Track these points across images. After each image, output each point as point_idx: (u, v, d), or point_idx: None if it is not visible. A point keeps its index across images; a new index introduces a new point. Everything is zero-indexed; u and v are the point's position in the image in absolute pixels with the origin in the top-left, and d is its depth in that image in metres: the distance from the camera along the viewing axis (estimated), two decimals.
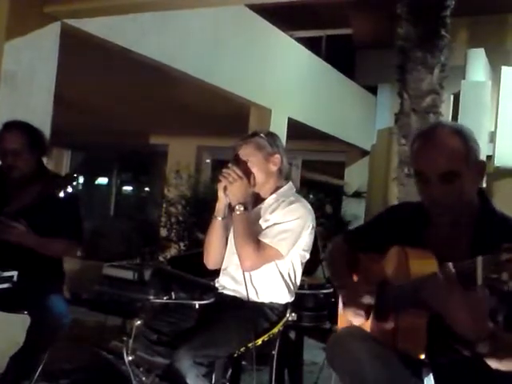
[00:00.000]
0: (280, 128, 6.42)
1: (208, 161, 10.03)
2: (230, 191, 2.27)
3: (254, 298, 2.32)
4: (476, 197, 1.62)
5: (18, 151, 2.61)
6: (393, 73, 5.71)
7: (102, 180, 11.87)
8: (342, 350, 1.55)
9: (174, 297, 2.47)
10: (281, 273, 2.34)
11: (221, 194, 2.32)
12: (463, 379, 1.49)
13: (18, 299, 2.51)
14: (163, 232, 7.07)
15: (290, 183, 2.48)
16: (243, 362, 2.49)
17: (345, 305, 1.79)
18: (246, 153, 2.35)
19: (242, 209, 2.25)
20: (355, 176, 9.47)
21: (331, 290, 3.61)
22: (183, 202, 6.88)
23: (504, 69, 6.15)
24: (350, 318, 1.79)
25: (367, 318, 1.73)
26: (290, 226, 2.28)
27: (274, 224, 2.29)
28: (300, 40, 7.74)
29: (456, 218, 1.58)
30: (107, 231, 8.98)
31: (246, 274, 2.27)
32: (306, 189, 7.97)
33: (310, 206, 2.39)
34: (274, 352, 2.39)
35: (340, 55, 9.71)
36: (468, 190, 1.57)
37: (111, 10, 3.65)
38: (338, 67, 8.40)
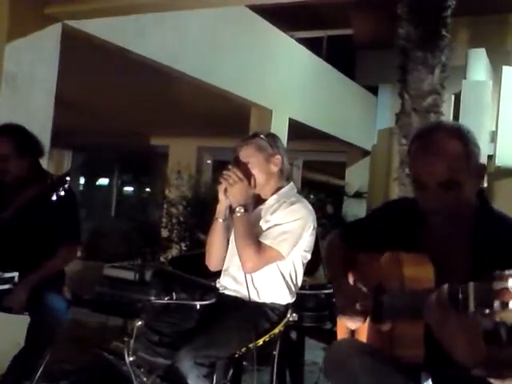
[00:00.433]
0: (281, 128, 6.42)
1: (209, 161, 10.04)
2: (230, 193, 2.27)
3: (255, 298, 2.31)
4: (475, 198, 1.57)
5: (7, 156, 2.58)
6: (393, 73, 5.72)
7: (103, 181, 11.88)
8: (339, 364, 1.55)
9: (175, 297, 2.47)
10: (282, 273, 2.34)
11: (221, 195, 2.32)
12: None
13: None
14: (164, 232, 7.07)
15: (291, 184, 2.48)
16: (244, 363, 2.48)
17: (340, 311, 1.78)
18: (247, 154, 2.35)
19: (242, 210, 2.25)
20: (356, 176, 9.46)
21: (332, 290, 3.60)
22: (184, 202, 6.88)
23: (505, 68, 6.15)
24: (346, 323, 1.79)
25: (364, 321, 1.72)
26: (291, 227, 2.28)
27: (275, 225, 2.29)
28: (301, 40, 7.75)
29: (454, 221, 1.54)
30: (108, 232, 8.99)
31: (248, 274, 2.27)
32: (307, 189, 7.97)
33: (310, 207, 2.39)
34: (275, 352, 2.39)
35: (341, 55, 9.71)
36: (468, 194, 1.53)
37: (111, 11, 3.65)
38: (339, 67, 8.40)
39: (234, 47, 5.73)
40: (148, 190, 9.86)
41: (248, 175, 2.31)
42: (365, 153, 9.30)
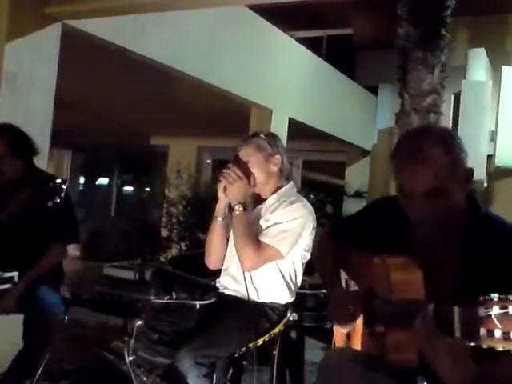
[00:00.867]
0: (281, 128, 6.42)
1: (209, 161, 10.04)
2: (229, 191, 2.27)
3: (254, 298, 2.32)
4: (464, 201, 1.53)
5: (2, 156, 2.57)
6: (393, 73, 5.72)
7: (103, 180, 11.88)
8: (331, 374, 1.55)
9: (174, 297, 2.47)
10: (282, 273, 2.34)
11: (221, 194, 2.32)
12: None
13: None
14: (164, 232, 7.08)
15: (291, 183, 2.48)
16: (244, 362, 2.49)
17: (330, 315, 1.77)
18: (247, 153, 2.35)
19: (241, 209, 2.25)
20: (356, 176, 9.46)
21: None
22: (184, 202, 6.89)
23: (504, 68, 6.15)
24: (338, 327, 1.78)
25: (354, 324, 1.72)
26: (291, 226, 2.28)
27: (275, 224, 2.29)
28: (301, 40, 7.75)
29: (442, 227, 1.50)
30: (108, 231, 9.01)
31: (247, 273, 2.27)
32: (307, 189, 7.97)
33: (310, 206, 2.39)
34: (274, 352, 2.39)
35: (341, 55, 9.71)
36: (455, 201, 1.48)
37: (111, 11, 3.65)
38: (339, 67, 8.40)
39: (234, 47, 5.73)
40: (148, 189, 9.87)
41: (248, 174, 2.31)
42: (365, 152, 9.30)
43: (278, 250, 2.26)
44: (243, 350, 2.24)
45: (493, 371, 1.25)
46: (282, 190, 2.42)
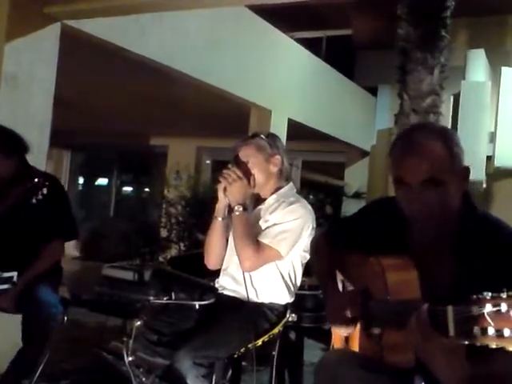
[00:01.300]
0: (280, 129, 6.42)
1: (208, 162, 10.04)
2: (229, 192, 2.28)
3: (254, 298, 2.32)
4: (460, 201, 1.53)
5: None
6: (393, 73, 5.72)
7: (102, 181, 11.88)
8: (328, 377, 1.55)
9: (173, 297, 2.47)
10: (281, 273, 2.35)
11: (221, 194, 2.32)
12: None
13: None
14: (163, 232, 7.08)
15: (291, 184, 2.48)
16: (243, 363, 2.49)
17: (329, 319, 1.77)
18: (247, 154, 2.36)
19: (241, 209, 2.26)
20: (355, 177, 9.46)
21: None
22: (183, 202, 6.89)
23: (504, 69, 6.15)
24: (336, 330, 1.78)
25: (355, 327, 1.71)
26: (290, 227, 2.28)
27: (274, 224, 2.29)
28: (300, 41, 7.75)
29: (438, 223, 1.50)
30: (107, 232, 9.01)
31: (246, 274, 2.27)
32: (307, 189, 7.98)
33: (310, 207, 2.39)
34: (274, 353, 2.40)
35: (340, 56, 9.71)
36: (451, 197, 1.49)
37: (111, 11, 3.65)
38: (338, 68, 8.40)
39: (234, 47, 5.73)
40: (147, 189, 9.89)
41: (247, 175, 2.31)
42: (364, 153, 9.30)
43: (277, 251, 2.27)
44: (242, 350, 2.24)
45: (487, 369, 1.25)
46: (282, 190, 2.42)
